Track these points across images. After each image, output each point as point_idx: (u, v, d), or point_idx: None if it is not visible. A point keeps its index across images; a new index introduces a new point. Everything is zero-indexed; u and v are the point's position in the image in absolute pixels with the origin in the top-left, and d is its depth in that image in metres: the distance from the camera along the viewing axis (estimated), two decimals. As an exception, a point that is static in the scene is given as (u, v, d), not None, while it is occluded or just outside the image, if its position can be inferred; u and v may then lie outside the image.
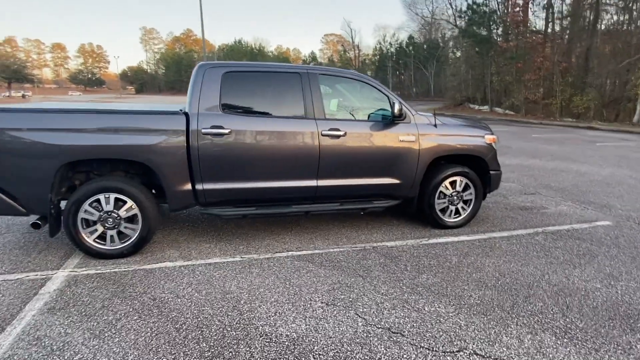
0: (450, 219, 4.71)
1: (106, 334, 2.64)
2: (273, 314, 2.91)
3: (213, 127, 3.79)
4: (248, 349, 2.52)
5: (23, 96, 63.41)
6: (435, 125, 4.50)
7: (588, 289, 3.34)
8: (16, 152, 3.41)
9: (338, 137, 4.12)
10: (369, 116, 4.44)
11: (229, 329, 2.72)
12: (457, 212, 4.74)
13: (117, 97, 67.27)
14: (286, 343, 2.58)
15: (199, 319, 2.83)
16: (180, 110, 3.89)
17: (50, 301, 3.04)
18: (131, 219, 3.76)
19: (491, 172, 4.79)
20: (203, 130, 3.76)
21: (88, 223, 3.66)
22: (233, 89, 3.96)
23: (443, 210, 4.68)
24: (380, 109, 4.39)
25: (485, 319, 2.89)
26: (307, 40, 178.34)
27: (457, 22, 33.48)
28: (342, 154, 4.18)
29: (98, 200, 3.63)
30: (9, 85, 67.93)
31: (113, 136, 3.57)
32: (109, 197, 3.65)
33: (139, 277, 3.45)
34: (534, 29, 28.39)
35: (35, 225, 3.63)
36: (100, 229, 3.69)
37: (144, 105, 4.85)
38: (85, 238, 3.67)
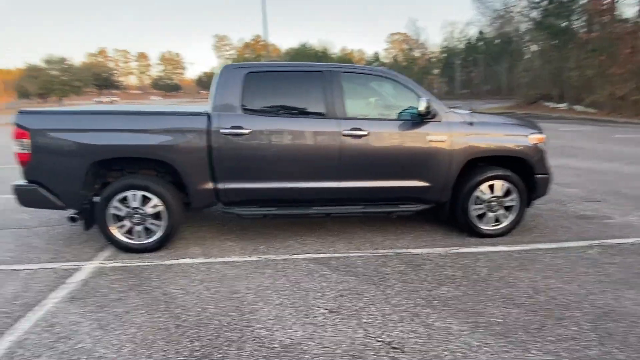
0: (488, 227, 4.30)
1: (111, 326, 2.75)
2: (273, 317, 2.84)
3: (233, 127, 3.83)
4: (238, 351, 2.48)
5: (111, 101, 70.33)
6: (470, 124, 4.13)
7: (641, 315, 2.84)
8: (54, 151, 3.71)
9: (360, 137, 3.95)
10: (398, 115, 4.20)
11: (225, 330, 2.70)
12: (497, 219, 4.31)
13: (191, 100, 71.95)
14: (277, 349, 2.50)
15: (199, 317, 2.85)
16: (205, 111, 3.98)
17: (73, 290, 3.25)
18: (157, 216, 3.92)
19: (537, 175, 4.30)
20: (223, 131, 3.81)
21: (117, 218, 3.88)
22: (255, 89, 3.96)
23: (480, 217, 4.29)
24: (410, 108, 4.13)
25: (502, 340, 2.56)
26: (372, 41, 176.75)
27: (532, 14, 31.02)
28: (365, 155, 4.00)
29: (126, 197, 3.83)
30: (100, 92, 75.80)
31: (138, 136, 3.75)
32: (135, 195, 3.83)
33: (158, 271, 3.58)
34: (622, 17, 25.34)
35: (72, 219, 3.92)
36: (128, 224, 3.89)
37: (172, 106, 5.06)
38: (115, 232, 3.89)
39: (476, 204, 4.24)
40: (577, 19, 27.66)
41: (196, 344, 2.56)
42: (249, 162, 3.89)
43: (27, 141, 3.66)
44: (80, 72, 60.90)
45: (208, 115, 3.85)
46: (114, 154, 3.77)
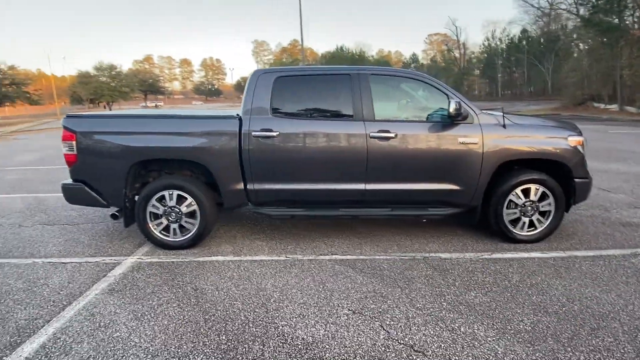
0: (522, 232, 4.16)
1: (146, 317, 2.92)
2: (297, 316, 2.90)
3: (263, 129, 3.94)
4: (261, 347, 2.55)
5: (156, 106, 73.55)
6: (503, 126, 4.02)
7: (687, 330, 2.66)
8: (98, 152, 3.97)
9: (388, 139, 3.95)
10: (428, 117, 4.16)
11: (250, 325, 2.79)
12: (532, 224, 4.16)
13: (231, 105, 74.00)
14: (299, 346, 2.55)
15: (227, 312, 2.96)
16: (237, 114, 4.11)
17: (113, 283, 3.46)
18: (191, 214, 4.09)
19: (576, 179, 4.11)
20: (253, 133, 3.93)
21: (155, 216, 4.09)
22: (284, 92, 4.06)
23: (514, 222, 4.15)
24: (440, 109, 4.08)
25: (530, 348, 2.49)
26: (410, 42, 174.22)
27: (579, 11, 29.44)
28: (393, 157, 3.99)
29: (163, 197, 4.04)
30: (145, 97, 79.46)
31: (173, 138, 3.94)
32: (172, 194, 4.03)
33: (191, 268, 3.74)
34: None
35: (114, 216, 4.18)
36: (164, 222, 4.09)
37: (207, 110, 5.24)
38: (153, 229, 4.10)
39: (510, 209, 4.12)
40: (630, 15, 26.00)
41: (223, 337, 2.66)
42: (278, 163, 3.99)
43: (73, 143, 3.94)
44: (127, 78, 64.12)
45: (239, 119, 3.99)
46: (152, 156, 3.98)
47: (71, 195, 4.14)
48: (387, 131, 3.95)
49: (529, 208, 4.11)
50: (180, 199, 4.05)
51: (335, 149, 3.99)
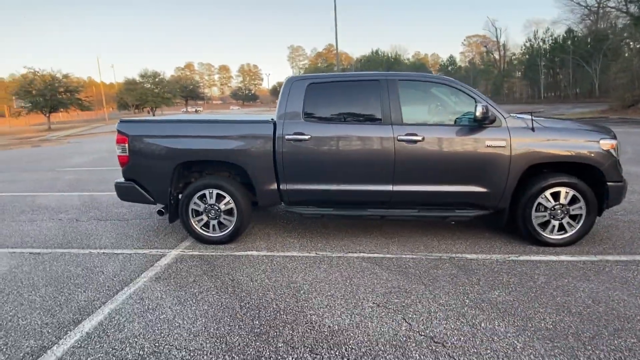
0: (552, 236, 4.16)
1: (188, 302, 3.22)
2: (324, 306, 3.11)
3: (295, 133, 4.19)
4: (291, 332, 2.78)
5: (196, 111, 76.31)
6: (532, 129, 4.06)
7: None
8: (147, 154, 4.37)
9: (415, 142, 4.09)
10: (455, 121, 4.27)
11: (281, 313, 3.03)
12: (562, 228, 4.16)
13: (266, 109, 75.59)
14: (326, 333, 2.76)
15: (261, 301, 3.22)
16: (271, 119, 4.39)
17: (159, 272, 3.81)
18: (229, 212, 4.41)
19: (609, 183, 4.06)
20: (287, 137, 4.19)
21: (196, 213, 4.43)
22: (316, 98, 4.30)
23: (543, 225, 4.16)
24: (467, 113, 4.17)
25: (549, 345, 2.56)
26: (448, 44, 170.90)
27: (629, 8, 27.90)
28: (420, 160, 4.12)
29: (204, 195, 4.37)
30: (186, 103, 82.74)
31: (214, 141, 4.27)
32: (212, 192, 4.36)
33: (228, 261, 4.04)
34: None
35: (160, 213, 4.56)
36: (205, 218, 4.43)
37: (244, 115, 5.57)
38: (194, 225, 4.45)
39: (539, 211, 4.13)
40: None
41: (256, 322, 2.91)
42: (309, 165, 4.22)
43: (126, 145, 4.36)
44: (170, 85, 67.03)
45: (274, 123, 4.26)
46: (195, 157, 4.33)
47: (123, 192, 4.57)
48: (415, 134, 4.09)
49: (559, 211, 4.11)
50: (219, 198, 4.37)
51: (364, 151, 4.18)
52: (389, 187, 4.21)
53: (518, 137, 4.03)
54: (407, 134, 4.10)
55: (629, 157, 9.90)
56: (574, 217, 4.14)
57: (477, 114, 3.87)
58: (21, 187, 8.31)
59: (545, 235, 4.16)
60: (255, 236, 4.76)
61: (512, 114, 4.30)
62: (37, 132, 34.52)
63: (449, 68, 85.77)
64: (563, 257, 3.93)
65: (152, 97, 57.43)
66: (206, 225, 4.45)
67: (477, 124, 4.05)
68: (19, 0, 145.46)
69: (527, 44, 63.36)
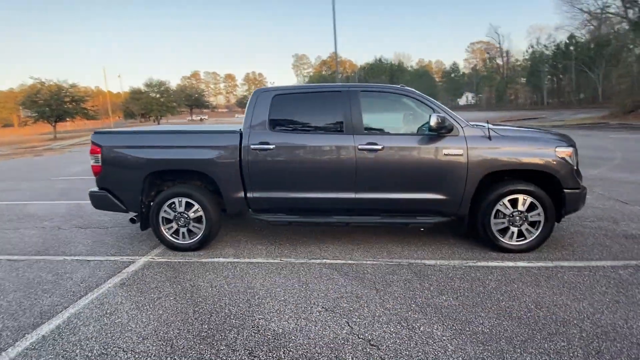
0: (511, 242, 4.24)
1: (145, 307, 3.35)
2: (274, 311, 3.21)
3: (261, 143, 4.33)
4: (236, 335, 2.89)
5: (201, 119, 77.07)
6: (489, 138, 4.16)
7: (647, 338, 2.70)
8: (119, 164, 4.53)
9: (375, 151, 4.20)
10: (418, 130, 4.38)
11: (231, 317, 3.14)
12: (522, 234, 4.23)
13: (270, 117, 76.13)
14: (269, 336, 2.86)
15: (215, 306, 3.33)
16: (239, 129, 4.53)
17: (125, 278, 3.95)
18: (198, 220, 4.54)
19: (566, 190, 4.14)
20: (252, 146, 4.33)
21: (166, 221, 4.57)
22: (281, 109, 4.44)
23: (503, 232, 4.24)
24: (427, 123, 4.28)
25: (480, 348, 2.64)
26: (452, 51, 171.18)
27: (628, 14, 27.88)
28: (380, 168, 4.23)
29: (173, 203, 4.52)
30: (191, 111, 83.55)
31: (182, 151, 4.42)
32: (181, 201, 4.50)
33: (193, 267, 4.16)
34: None
35: (132, 221, 4.71)
36: (175, 226, 4.56)
37: (214, 125, 5.73)
38: (165, 233, 4.58)
39: (498, 218, 4.22)
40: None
41: (205, 326, 3.02)
42: (274, 173, 4.35)
43: (99, 156, 4.52)
44: (176, 93, 67.79)
45: (240, 133, 4.41)
46: (164, 167, 4.48)
47: (97, 201, 4.73)
48: (375, 144, 4.21)
49: (517, 218, 4.19)
50: (189, 206, 4.51)
51: (327, 160, 4.30)
52: (352, 195, 4.33)
53: (475, 145, 4.13)
54: (367, 143, 4.22)
55: (617, 164, 9.93)
56: (533, 224, 4.22)
57: (432, 123, 3.99)
58: (15, 197, 8.52)
59: (504, 241, 4.23)
60: (226, 243, 4.89)
61: (471, 123, 4.41)
62: (43, 142, 35.10)
63: (452, 75, 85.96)
64: (520, 263, 4.01)
65: (157, 106, 58.06)
66: (176, 232, 4.58)
67: (436, 134, 4.16)
68: (30, 13, 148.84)
69: (530, 50, 63.39)
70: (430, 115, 4.03)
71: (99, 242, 5.13)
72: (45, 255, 4.71)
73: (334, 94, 4.41)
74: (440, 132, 4.12)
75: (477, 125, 4.36)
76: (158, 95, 59.81)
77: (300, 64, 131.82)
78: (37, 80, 41.52)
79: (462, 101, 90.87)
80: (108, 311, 3.30)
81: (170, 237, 4.59)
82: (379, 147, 4.20)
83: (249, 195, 4.44)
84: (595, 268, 3.84)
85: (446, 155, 4.15)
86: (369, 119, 4.40)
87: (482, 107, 73.59)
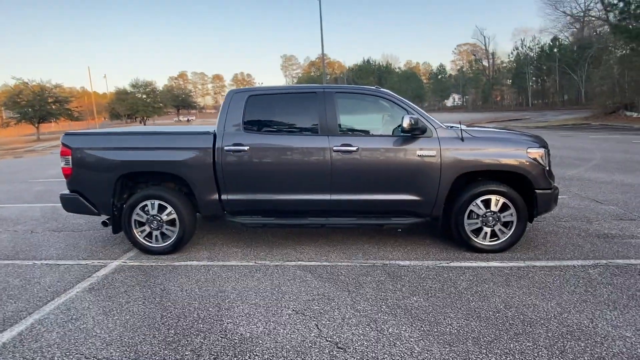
0: (484, 242, 4.27)
1: (112, 312, 3.28)
2: (244, 315, 3.17)
3: (234, 144, 4.29)
4: (202, 340, 2.84)
5: (188, 120, 76.30)
6: (461, 139, 4.18)
7: (610, 337, 2.73)
8: (89, 166, 4.44)
9: (350, 152, 4.20)
10: (393, 131, 4.39)
11: (199, 322, 3.09)
12: (495, 234, 4.27)
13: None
14: (235, 340, 2.82)
15: (184, 310, 3.28)
16: (213, 130, 4.48)
17: (94, 283, 3.87)
18: (172, 222, 4.47)
19: (537, 191, 4.19)
20: (226, 148, 4.29)
21: (139, 224, 4.50)
22: (255, 110, 4.41)
23: (477, 232, 4.27)
24: (401, 125, 4.29)
25: (446, 349, 2.65)
26: (439, 53, 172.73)
27: (608, 17, 28.47)
28: (355, 170, 4.22)
29: (146, 206, 4.44)
30: (178, 112, 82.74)
31: (154, 153, 4.35)
32: (154, 203, 4.43)
33: (165, 271, 4.10)
34: None
35: (104, 224, 4.62)
36: (147, 229, 4.49)
37: (188, 127, 5.67)
38: (137, 236, 4.50)
39: (471, 219, 4.24)
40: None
41: (172, 331, 2.97)
42: (248, 175, 4.31)
43: (69, 158, 4.43)
44: (162, 94, 67.04)
45: (214, 135, 4.36)
46: (135, 169, 4.41)
47: (67, 204, 4.63)
48: (350, 145, 4.20)
49: (490, 218, 4.22)
50: (162, 208, 4.44)
51: (301, 161, 4.28)
52: (327, 197, 4.31)
53: (447, 146, 4.15)
54: (342, 145, 4.21)
55: (595, 164, 10.11)
56: (506, 224, 4.26)
57: (404, 125, 4.00)
58: (-11, 199, 8.31)
59: (477, 241, 4.26)
60: (202, 246, 4.83)
61: (446, 124, 4.43)
62: (25, 143, 34.41)
63: (439, 77, 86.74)
64: (492, 263, 4.03)
65: (142, 106, 57.34)
66: (149, 235, 4.51)
67: (410, 135, 4.17)
68: (11, 10, 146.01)
69: (515, 52, 64.32)
70: (402, 117, 4.04)
71: (72, 245, 5.02)
72: (14, 259, 4.60)
73: (309, 95, 4.39)
74: (414, 133, 4.13)
75: (451, 126, 4.38)
76: (144, 96, 59.09)
77: (288, 64, 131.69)
78: (19, 81, 40.75)
79: (449, 102, 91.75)
80: (73, 317, 3.23)
81: (143, 241, 4.51)
82: (354, 148, 4.20)
83: (223, 197, 4.40)
84: (566, 268, 3.88)
85: (420, 156, 4.16)
86: (345, 121, 4.39)
87: (468, 109, 74.40)
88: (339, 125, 4.30)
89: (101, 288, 3.75)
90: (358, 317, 3.09)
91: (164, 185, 4.69)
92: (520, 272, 3.83)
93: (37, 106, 40.05)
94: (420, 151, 4.16)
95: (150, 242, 4.52)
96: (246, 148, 4.28)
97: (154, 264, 4.29)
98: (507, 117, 41.59)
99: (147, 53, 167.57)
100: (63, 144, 4.47)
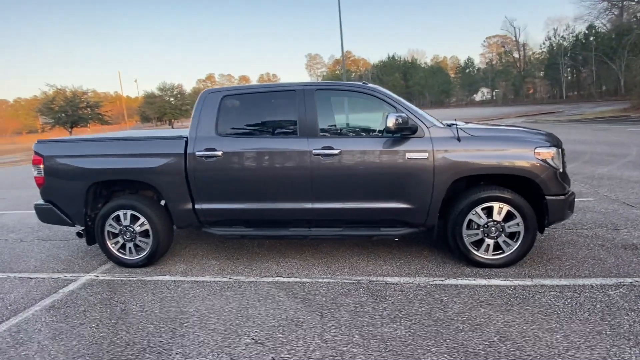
0: (486, 256, 3.75)
1: (61, 336, 3.01)
2: (198, 343, 2.83)
3: (207, 149, 3.95)
4: (142, 375, 2.51)
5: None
6: (458, 139, 3.67)
7: (627, 384, 2.19)
8: (61, 174, 4.22)
9: (332, 155, 3.77)
10: (382, 132, 3.93)
11: (146, 351, 2.76)
12: (499, 247, 3.74)
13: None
14: (178, 377, 2.48)
15: (135, 335, 2.96)
16: (186, 135, 4.16)
17: (57, 300, 3.63)
18: (145, 234, 4.19)
19: (547, 197, 3.63)
20: (197, 153, 3.96)
21: (113, 235, 4.24)
22: (230, 112, 4.06)
23: (477, 244, 3.76)
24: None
25: (417, 396, 2.19)
26: (466, 46, 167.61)
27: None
28: (337, 175, 3.80)
29: (119, 216, 4.18)
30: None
31: (122, 160, 4.08)
32: (126, 214, 4.16)
33: (133, 287, 3.81)
34: None
35: (79, 235, 4.40)
36: (121, 240, 4.23)
37: (157, 131, 5.40)
38: (111, 248, 4.26)
39: (471, 229, 3.74)
40: None
41: (113, 362, 2.66)
42: (222, 183, 3.97)
43: (41, 167, 4.23)
44: (190, 96, 68.35)
45: (186, 140, 4.04)
46: (106, 177, 4.15)
47: (42, 215, 4.44)
48: (331, 147, 3.78)
49: (493, 229, 3.69)
50: (134, 219, 4.17)
51: (279, 167, 3.90)
52: (309, 205, 3.91)
53: (441, 148, 3.66)
54: (323, 148, 3.80)
55: (630, 161, 9.19)
56: (512, 235, 3.72)
57: (389, 124, 3.53)
58: (1, 206, 8.41)
59: (478, 254, 3.75)
60: (180, 258, 4.53)
61: (445, 122, 3.94)
62: (57, 147, 35.73)
63: (467, 70, 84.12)
64: (494, 281, 3.51)
65: (170, 109, 58.63)
66: (123, 247, 4.25)
67: (398, 135, 3.70)
68: (48, 21, 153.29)
69: (547, 43, 61.35)
70: (387, 115, 3.57)
71: (52, 256, 4.85)
72: (-10, 272, 4.45)
73: (288, 94, 4.00)
74: (403, 133, 3.66)
75: (450, 125, 3.88)
76: (172, 99, 60.39)
77: (313, 63, 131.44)
78: (53, 87, 42.48)
79: (477, 97, 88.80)
80: (20, 341, 2.98)
81: (117, 253, 4.26)
82: (336, 151, 3.77)
83: (197, 207, 4.07)
84: (581, 288, 3.31)
85: (410, 159, 3.69)
86: (327, 121, 3.99)
87: (498, 103, 71.70)
88: (320, 125, 3.88)
89: (61, 306, 3.50)
90: (323, 349, 2.67)
91: (140, 195, 4.43)
92: (525, 292, 3.29)
93: (70, 111, 41.62)
94: (410, 154, 3.68)
95: (124, 255, 4.26)
96: (219, 153, 3.93)
97: (125, 278, 4.02)
98: (538, 110, 39.63)
99: (176, 57, 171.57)
100: (35, 152, 4.28)
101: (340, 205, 3.87)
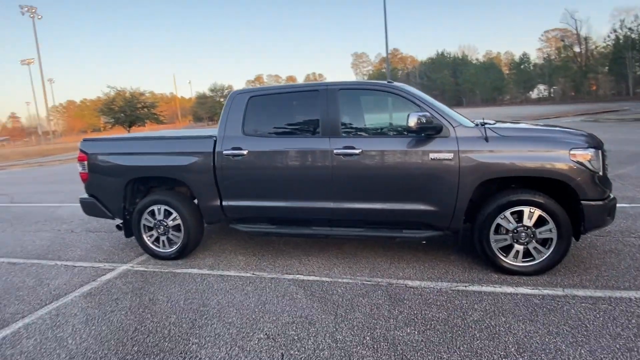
0: (516, 262, 3.57)
1: (93, 321, 3.24)
2: (213, 335, 2.93)
3: (233, 148, 4.08)
4: (159, 361, 2.65)
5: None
6: (485, 139, 3.52)
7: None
8: (102, 171, 4.53)
9: (352, 155, 3.76)
10: (403, 132, 3.85)
11: (166, 339, 2.91)
12: (529, 254, 3.54)
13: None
14: (191, 366, 2.59)
15: (158, 325, 3.13)
16: (214, 135, 4.31)
17: (94, 288, 3.91)
18: (177, 228, 4.41)
19: (584, 202, 3.38)
20: (225, 152, 4.10)
21: (148, 229, 4.50)
22: (256, 112, 4.16)
23: (506, 250, 3.59)
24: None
25: (420, 403, 2.14)
26: (522, 41, 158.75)
27: None
28: (358, 175, 3.78)
29: (153, 211, 4.43)
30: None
31: (157, 158, 4.31)
32: (160, 209, 4.40)
33: (163, 278, 4.02)
34: None
35: (118, 227, 4.71)
36: (155, 234, 4.48)
37: (192, 130, 5.58)
38: (146, 240, 4.51)
39: (499, 234, 3.57)
40: None
41: (135, 348, 2.83)
42: (246, 181, 4.08)
43: (85, 163, 4.57)
44: (238, 97, 70.83)
45: (214, 139, 4.19)
46: (143, 174, 4.41)
47: (86, 208, 4.80)
48: (352, 147, 3.77)
49: (523, 234, 3.50)
50: (167, 214, 4.39)
51: (301, 166, 3.94)
52: (330, 205, 3.92)
53: (468, 148, 3.52)
54: (344, 147, 3.79)
55: (699, 163, 8.31)
56: (544, 242, 3.51)
57: (410, 124, 3.45)
58: (53, 199, 9.17)
59: (506, 261, 3.57)
60: (210, 252, 4.71)
61: (476, 122, 3.81)
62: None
63: (522, 66, 79.81)
64: (521, 289, 3.33)
65: (220, 109, 60.75)
66: (157, 240, 4.50)
67: (422, 135, 3.62)
68: (113, 28, 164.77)
69: (613, 35, 56.75)
70: (408, 115, 3.49)
71: (96, 247, 5.22)
72: (42, 259, 4.88)
73: (311, 94, 4.03)
74: (427, 133, 3.57)
75: (480, 124, 3.73)
76: (222, 99, 62.67)
77: (359, 62, 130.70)
78: (113, 89, 45.57)
79: (534, 94, 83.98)
80: (57, 323, 3.25)
81: (151, 245, 4.51)
82: (357, 151, 3.75)
83: (224, 203, 4.22)
84: (618, 300, 3.06)
85: (433, 160, 3.58)
86: (349, 120, 3.96)
87: (556, 100, 67.41)
88: (342, 125, 3.88)
89: (97, 293, 3.77)
90: (333, 348, 2.68)
91: (174, 191, 4.66)
92: (553, 302, 3.09)
93: (128, 111, 44.40)
94: (433, 154, 3.58)
95: (158, 247, 4.50)
96: (245, 152, 4.04)
97: (157, 270, 4.25)
98: (601, 108, 36.79)
99: (228, 60, 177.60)
100: (80, 150, 4.63)
101: (360, 206, 3.84)
